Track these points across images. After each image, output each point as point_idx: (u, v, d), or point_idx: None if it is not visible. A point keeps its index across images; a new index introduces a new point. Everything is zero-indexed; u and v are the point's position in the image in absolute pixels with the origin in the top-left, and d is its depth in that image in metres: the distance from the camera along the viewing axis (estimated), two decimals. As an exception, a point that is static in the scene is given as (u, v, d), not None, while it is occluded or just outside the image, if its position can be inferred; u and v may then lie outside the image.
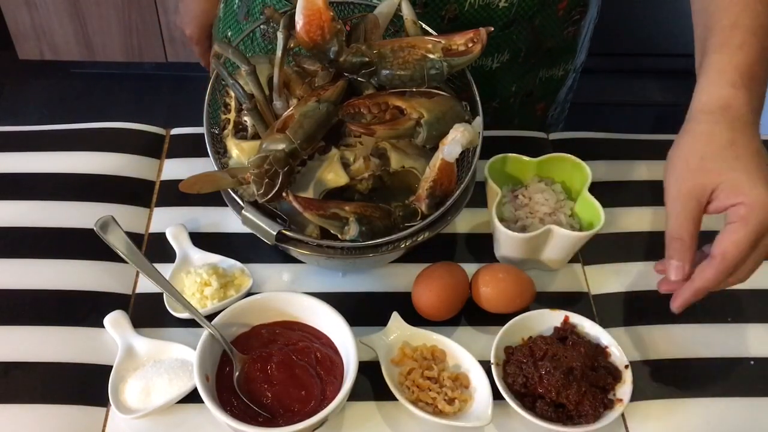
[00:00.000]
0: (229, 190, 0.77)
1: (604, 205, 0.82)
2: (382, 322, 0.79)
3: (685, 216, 0.68)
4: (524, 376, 0.73)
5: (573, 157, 0.87)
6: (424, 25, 0.85)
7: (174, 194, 0.91)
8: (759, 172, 0.67)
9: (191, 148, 0.98)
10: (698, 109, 0.71)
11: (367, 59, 0.77)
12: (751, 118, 0.70)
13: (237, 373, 0.72)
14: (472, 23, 0.90)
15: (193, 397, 0.72)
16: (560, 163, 0.88)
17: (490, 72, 0.97)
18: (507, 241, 0.83)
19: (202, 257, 0.85)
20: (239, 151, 0.79)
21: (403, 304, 0.81)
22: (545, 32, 0.97)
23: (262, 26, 0.94)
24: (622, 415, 0.75)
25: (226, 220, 0.90)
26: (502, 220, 0.83)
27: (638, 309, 0.84)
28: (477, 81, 0.85)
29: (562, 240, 0.81)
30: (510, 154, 0.88)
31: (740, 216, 0.66)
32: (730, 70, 0.70)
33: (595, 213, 0.83)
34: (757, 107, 0.71)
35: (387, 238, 0.75)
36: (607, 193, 0.86)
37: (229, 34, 1.06)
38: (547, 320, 0.79)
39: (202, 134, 0.81)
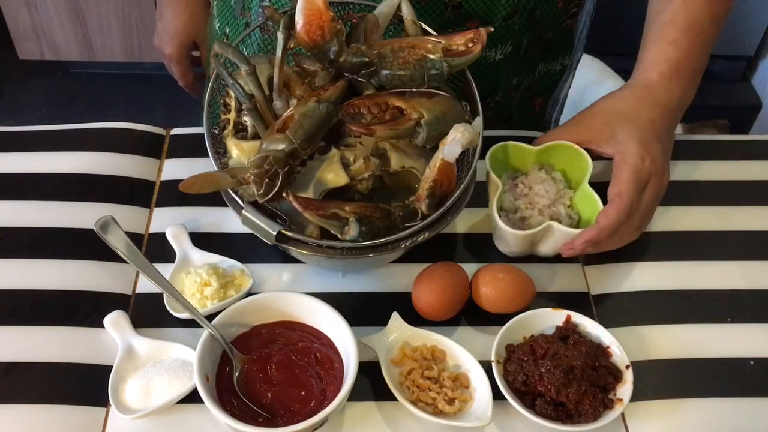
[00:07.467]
0: (229, 190, 0.77)
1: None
2: (382, 322, 0.79)
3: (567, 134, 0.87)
4: (524, 374, 0.73)
5: (574, 145, 0.86)
6: (424, 26, 0.85)
7: (174, 194, 0.91)
8: (639, 132, 0.83)
9: (191, 148, 0.98)
10: (628, 84, 0.91)
11: (367, 59, 0.77)
12: (664, 101, 0.87)
13: (237, 373, 0.72)
14: (475, 11, 0.91)
15: (193, 397, 0.72)
16: (561, 151, 0.88)
17: (494, 65, 0.97)
18: (506, 237, 0.83)
19: (202, 257, 0.85)
20: (239, 151, 0.79)
21: (403, 304, 0.81)
22: (545, 24, 0.98)
23: (261, 21, 0.94)
24: (622, 414, 0.75)
25: (226, 220, 0.90)
26: (501, 209, 0.84)
27: (638, 309, 0.84)
28: (481, 74, 0.85)
29: (562, 237, 0.81)
30: (510, 142, 0.88)
31: (617, 162, 0.82)
32: (662, 62, 0.88)
33: (594, 208, 0.83)
34: (678, 96, 0.88)
35: (387, 238, 0.75)
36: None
37: (227, 30, 1.05)
38: (549, 319, 0.79)
39: (202, 134, 0.81)
